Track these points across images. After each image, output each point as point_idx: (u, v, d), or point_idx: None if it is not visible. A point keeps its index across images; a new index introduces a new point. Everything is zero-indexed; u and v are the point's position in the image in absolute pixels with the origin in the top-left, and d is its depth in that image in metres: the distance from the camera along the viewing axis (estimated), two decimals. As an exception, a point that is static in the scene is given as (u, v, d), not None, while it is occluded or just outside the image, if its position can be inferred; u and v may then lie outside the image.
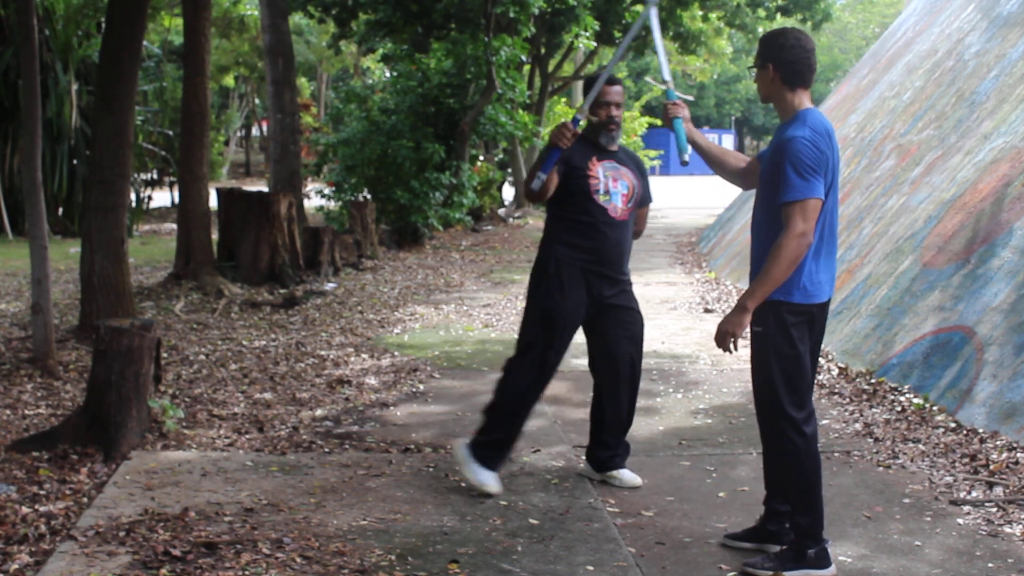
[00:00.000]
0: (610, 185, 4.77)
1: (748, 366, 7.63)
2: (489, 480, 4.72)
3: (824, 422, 6.02)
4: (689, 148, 4.10)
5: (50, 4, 16.67)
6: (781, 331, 3.78)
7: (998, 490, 4.72)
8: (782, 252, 3.62)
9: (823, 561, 3.83)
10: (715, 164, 4.21)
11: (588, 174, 4.74)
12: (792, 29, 3.86)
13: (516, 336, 4.95)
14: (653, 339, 8.72)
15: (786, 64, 3.76)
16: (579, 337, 9.04)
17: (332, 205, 18.15)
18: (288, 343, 8.27)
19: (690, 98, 4.37)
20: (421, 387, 6.92)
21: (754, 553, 4.03)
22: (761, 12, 23.97)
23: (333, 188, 17.79)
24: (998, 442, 5.23)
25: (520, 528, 4.31)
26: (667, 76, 4.32)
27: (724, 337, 3.80)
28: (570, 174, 4.72)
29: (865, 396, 6.44)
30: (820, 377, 7.04)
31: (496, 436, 4.77)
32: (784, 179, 3.64)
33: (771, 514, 4.10)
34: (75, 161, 16.85)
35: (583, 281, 4.77)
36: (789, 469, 3.86)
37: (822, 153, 3.69)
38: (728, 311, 3.70)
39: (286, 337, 8.53)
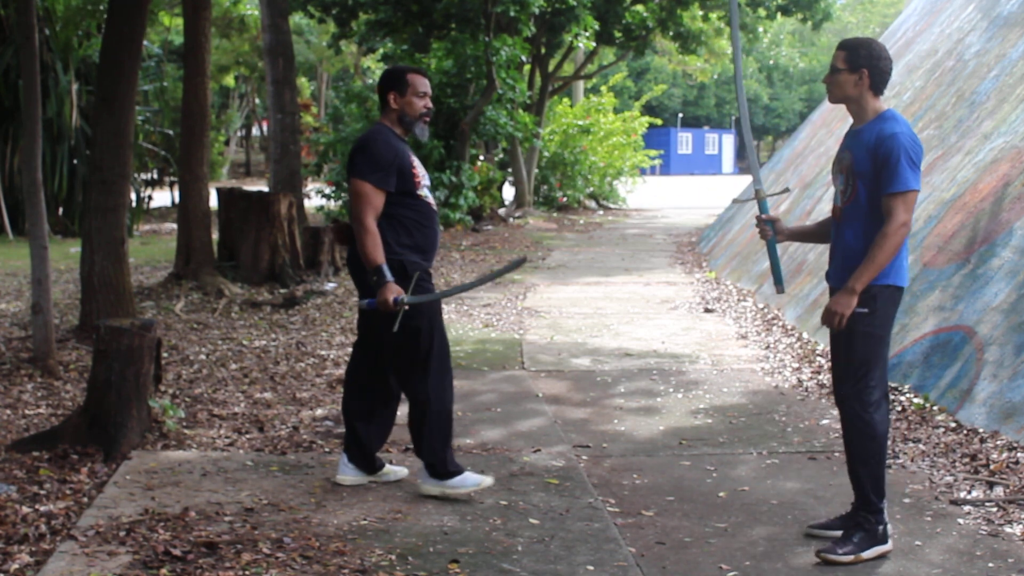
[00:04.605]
0: (424, 179, 4.72)
1: (747, 366, 7.66)
2: (473, 480, 4.67)
3: (824, 422, 6.03)
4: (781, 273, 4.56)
5: (50, 4, 16.67)
6: (886, 313, 4.06)
7: (998, 490, 4.72)
8: (888, 240, 3.92)
9: (887, 537, 4.09)
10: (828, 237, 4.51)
11: (413, 172, 4.66)
12: (878, 41, 4.19)
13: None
14: (653, 339, 8.73)
15: (880, 72, 4.08)
16: (579, 337, 8.98)
17: (332, 205, 18.16)
18: (288, 343, 8.27)
19: (768, 209, 4.42)
20: (421, 387, 6.91)
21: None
22: (761, 12, 23.94)
23: (333, 188, 17.79)
24: (998, 442, 5.23)
25: (520, 528, 4.32)
26: (759, 183, 4.48)
27: (833, 317, 4.01)
28: (401, 176, 4.61)
29: (865, 396, 6.44)
30: (820, 377, 7.04)
31: (441, 447, 4.68)
32: (892, 171, 3.94)
33: None
34: (75, 161, 16.85)
35: (429, 283, 4.70)
36: (872, 446, 4.07)
37: (921, 147, 4.03)
38: (837, 294, 4.00)
39: (286, 337, 8.53)
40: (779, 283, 4.51)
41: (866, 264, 3.95)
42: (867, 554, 4.01)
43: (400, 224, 4.63)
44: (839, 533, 4.21)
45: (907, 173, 3.94)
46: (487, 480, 4.71)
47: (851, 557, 3.98)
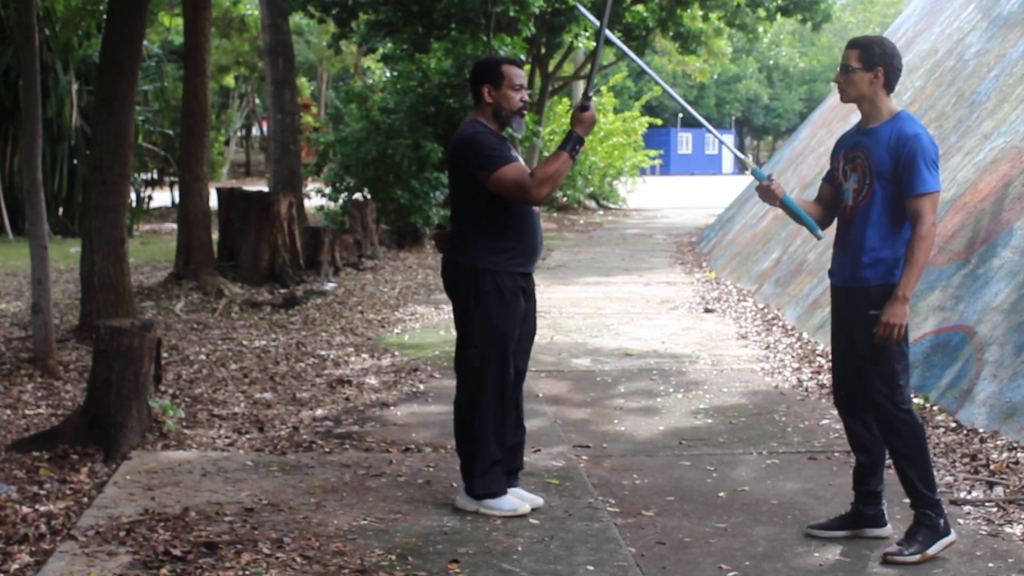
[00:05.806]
0: None
1: (747, 366, 7.66)
2: (510, 504, 4.46)
3: (824, 422, 6.03)
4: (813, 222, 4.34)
5: (50, 4, 16.67)
6: None
7: (998, 490, 4.72)
8: (925, 242, 3.97)
9: (949, 528, 4.07)
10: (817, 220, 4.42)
11: None
12: (889, 39, 4.17)
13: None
14: (653, 339, 8.73)
15: (894, 70, 4.10)
16: (579, 337, 8.96)
17: (332, 205, 18.15)
18: (288, 343, 8.27)
19: (764, 175, 4.29)
20: (421, 387, 6.92)
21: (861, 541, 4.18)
22: (761, 12, 23.92)
23: (331, 188, 17.76)
24: (998, 442, 5.23)
25: (520, 528, 4.31)
26: (740, 154, 4.41)
27: (892, 329, 4.01)
28: None
29: (865, 396, 6.44)
30: (820, 377, 7.04)
31: (480, 471, 4.46)
32: (916, 173, 3.98)
33: (868, 496, 4.26)
34: (75, 161, 16.85)
35: (518, 290, 4.50)
36: (912, 443, 4.06)
37: (938, 148, 4.08)
38: (889, 305, 3.98)
39: (286, 337, 8.53)
40: (815, 229, 4.29)
41: (909, 270, 3.98)
42: (932, 550, 3.99)
43: (501, 226, 4.37)
44: (839, 533, 4.22)
45: (931, 175, 3.98)
46: (525, 507, 4.45)
47: (918, 556, 3.96)
